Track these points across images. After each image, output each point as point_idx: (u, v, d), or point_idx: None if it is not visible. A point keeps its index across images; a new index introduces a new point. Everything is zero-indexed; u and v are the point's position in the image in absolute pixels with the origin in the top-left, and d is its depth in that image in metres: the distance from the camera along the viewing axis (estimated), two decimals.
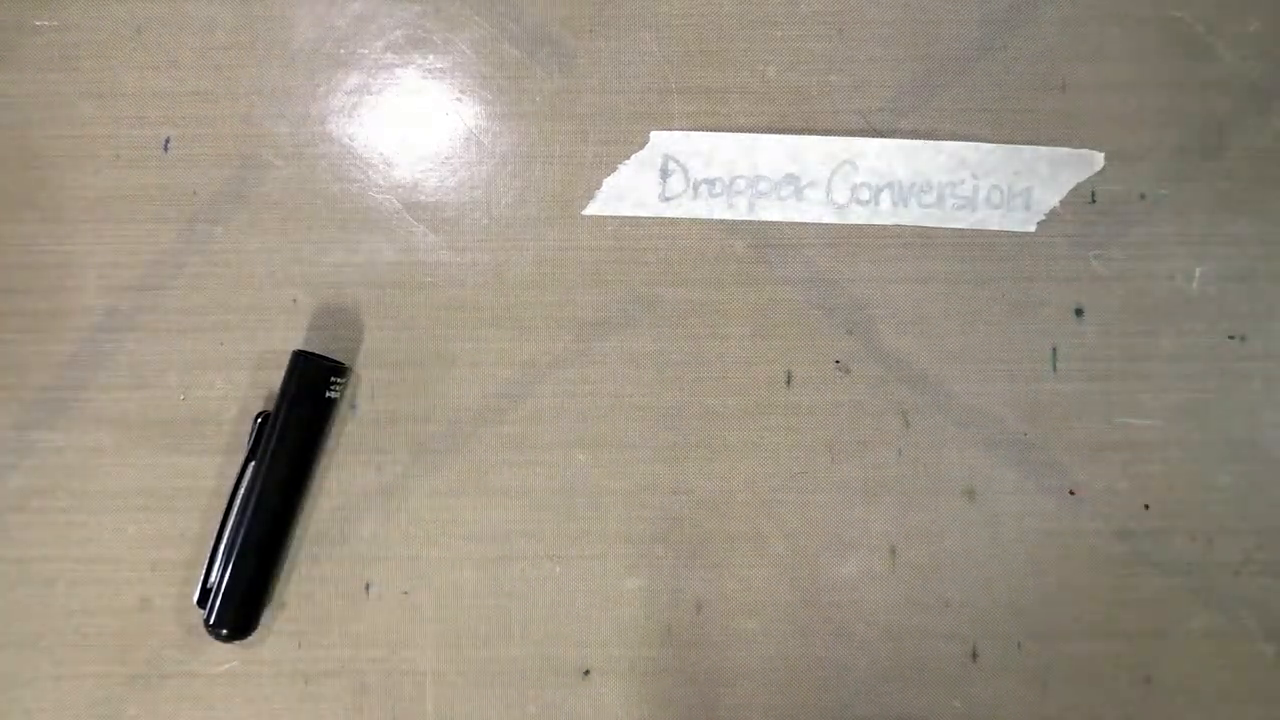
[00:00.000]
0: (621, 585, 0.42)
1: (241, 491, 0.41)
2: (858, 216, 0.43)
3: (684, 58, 0.43)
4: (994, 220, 0.43)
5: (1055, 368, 0.43)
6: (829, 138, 0.43)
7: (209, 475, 0.42)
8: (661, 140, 0.43)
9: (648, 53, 0.43)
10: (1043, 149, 0.43)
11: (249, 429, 0.42)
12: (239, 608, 0.40)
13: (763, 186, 0.43)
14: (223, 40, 0.43)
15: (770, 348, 0.43)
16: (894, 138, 0.43)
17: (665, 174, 0.43)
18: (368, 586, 0.42)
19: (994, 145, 0.43)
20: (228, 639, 0.41)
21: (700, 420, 0.43)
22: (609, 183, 0.43)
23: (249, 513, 0.40)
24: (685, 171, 0.43)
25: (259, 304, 0.43)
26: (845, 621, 0.42)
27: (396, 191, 0.43)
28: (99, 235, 0.43)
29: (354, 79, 0.44)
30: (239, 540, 0.40)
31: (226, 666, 0.42)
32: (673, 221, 0.43)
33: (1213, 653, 0.42)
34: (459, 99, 0.44)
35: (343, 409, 0.43)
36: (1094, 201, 0.43)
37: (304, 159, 0.43)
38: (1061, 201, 0.43)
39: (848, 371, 0.43)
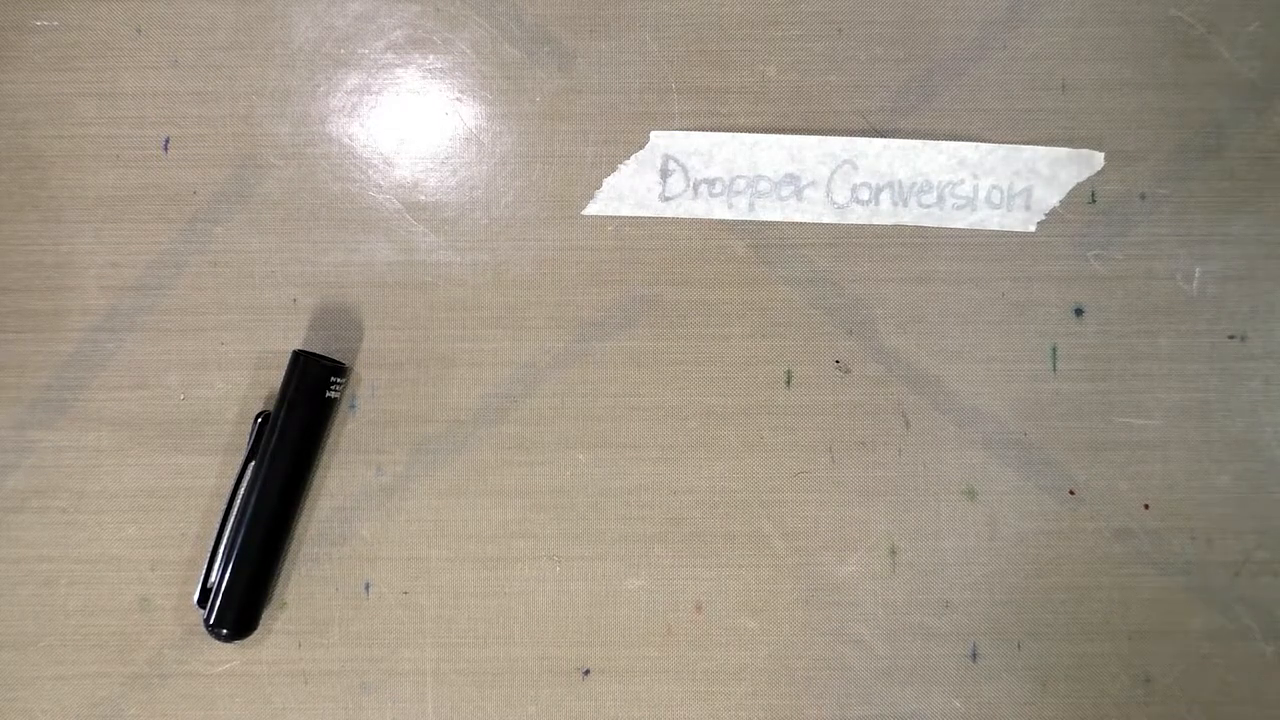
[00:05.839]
0: (621, 585, 0.42)
1: (241, 491, 0.41)
2: (858, 216, 0.43)
3: (684, 58, 0.43)
4: (994, 220, 0.43)
5: (1055, 368, 0.43)
6: (829, 138, 0.43)
7: (209, 475, 0.42)
8: (661, 140, 0.43)
9: (648, 53, 0.43)
10: (1043, 149, 0.43)
11: (249, 429, 0.42)
12: (239, 608, 0.40)
13: (763, 186, 0.43)
14: (223, 40, 0.43)
15: (770, 348, 0.43)
16: (894, 138, 0.43)
17: (665, 174, 0.43)
18: (368, 586, 0.42)
19: (994, 145, 0.43)
20: (228, 639, 0.41)
21: (700, 420, 0.43)
22: (609, 183, 0.43)
23: (249, 513, 0.40)
24: (685, 171, 0.43)
25: (259, 304, 0.43)
26: (845, 621, 0.42)
27: (396, 191, 0.43)
28: (99, 235, 0.43)
29: (354, 79, 0.44)
30: (239, 540, 0.40)
31: (226, 666, 0.42)
32: (673, 221, 0.43)
33: (1213, 653, 0.42)
34: (459, 99, 0.44)
35: (343, 409, 0.43)
36: (1094, 201, 0.43)
37: (304, 159, 0.43)
38: (1061, 201, 0.43)
39: (848, 371, 0.43)
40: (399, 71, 0.44)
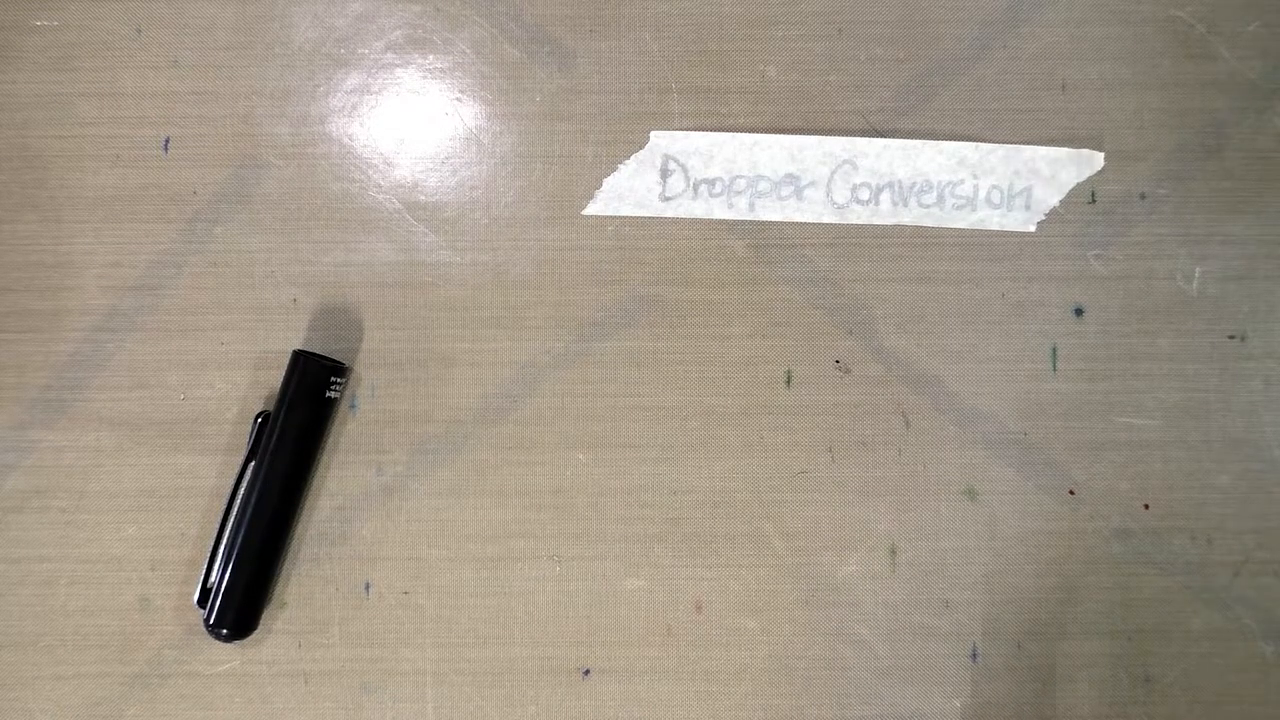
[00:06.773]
0: (621, 585, 0.42)
1: (241, 491, 0.41)
2: (858, 216, 0.43)
3: (684, 58, 0.43)
4: (994, 220, 0.43)
5: (1055, 368, 0.43)
6: (829, 138, 0.43)
7: (209, 475, 0.42)
8: (661, 140, 0.43)
9: (648, 53, 0.43)
10: (1042, 149, 0.43)
11: (249, 429, 0.42)
12: (239, 608, 0.40)
13: (763, 186, 0.43)
14: (223, 40, 0.43)
15: (770, 348, 0.43)
16: (894, 138, 0.43)
17: (665, 174, 0.43)
18: (368, 586, 0.42)
19: (994, 145, 0.43)
20: (228, 639, 0.41)
21: (700, 420, 0.43)
22: (609, 183, 0.43)
23: (249, 513, 0.40)
24: (685, 171, 0.43)
25: (259, 304, 0.43)
26: (845, 621, 0.42)
27: (396, 191, 0.43)
28: (99, 235, 0.43)
29: (354, 79, 0.44)
30: (239, 540, 0.40)
31: (226, 666, 0.42)
32: (673, 221, 0.43)
33: (1213, 653, 0.42)
34: (459, 99, 0.44)
35: (343, 409, 0.43)
36: (1094, 201, 0.43)
37: (304, 159, 0.43)
38: (1061, 201, 0.43)
39: (848, 371, 0.43)
40: (399, 71, 0.44)
